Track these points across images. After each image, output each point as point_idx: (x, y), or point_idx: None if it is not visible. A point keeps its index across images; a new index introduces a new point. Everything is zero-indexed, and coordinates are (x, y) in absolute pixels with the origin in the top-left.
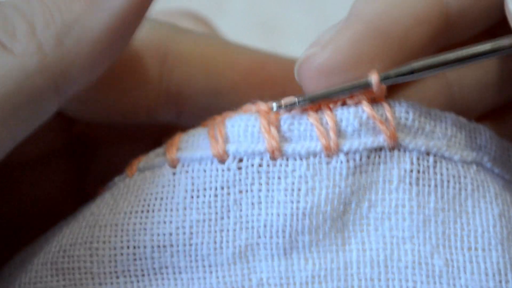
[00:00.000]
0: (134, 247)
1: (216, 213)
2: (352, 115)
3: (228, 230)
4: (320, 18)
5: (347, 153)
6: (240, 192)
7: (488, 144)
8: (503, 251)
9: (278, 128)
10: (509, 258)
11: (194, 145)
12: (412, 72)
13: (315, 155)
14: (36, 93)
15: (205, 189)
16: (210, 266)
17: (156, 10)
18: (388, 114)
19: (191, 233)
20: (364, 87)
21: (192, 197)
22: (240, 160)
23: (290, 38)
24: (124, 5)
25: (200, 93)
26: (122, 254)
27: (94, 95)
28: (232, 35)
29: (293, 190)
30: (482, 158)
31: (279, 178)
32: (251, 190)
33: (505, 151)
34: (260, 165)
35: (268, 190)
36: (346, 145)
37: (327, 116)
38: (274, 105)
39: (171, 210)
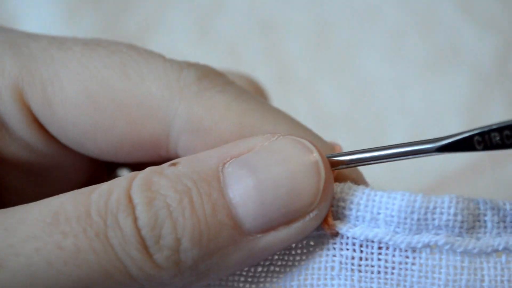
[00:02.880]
0: None
1: None
2: None
3: None
4: (320, 18)
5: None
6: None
7: (450, 223)
8: None
9: None
10: None
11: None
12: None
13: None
14: None
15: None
16: None
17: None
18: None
19: None
20: None
21: None
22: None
23: (290, 38)
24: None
25: None
26: None
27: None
28: (232, 34)
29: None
30: (437, 240)
31: None
32: None
33: (472, 222)
34: None
35: None
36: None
37: None
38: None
39: None
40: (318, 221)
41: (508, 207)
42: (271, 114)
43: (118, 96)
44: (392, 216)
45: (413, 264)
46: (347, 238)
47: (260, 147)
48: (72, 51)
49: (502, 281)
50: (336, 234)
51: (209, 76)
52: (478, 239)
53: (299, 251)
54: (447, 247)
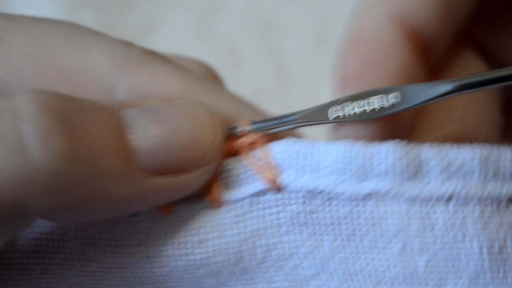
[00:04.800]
0: None
1: None
2: (231, 167)
3: None
4: (319, 17)
5: (229, 204)
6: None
7: (390, 168)
8: None
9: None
10: None
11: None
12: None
13: (201, 208)
14: None
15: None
16: None
17: (170, 54)
18: (264, 157)
19: None
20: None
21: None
22: None
23: (289, 38)
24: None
25: None
26: None
27: None
28: (231, 34)
29: (181, 243)
30: (379, 190)
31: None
32: None
33: (416, 167)
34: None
35: None
36: (226, 196)
37: None
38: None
39: None
40: (205, 178)
41: (453, 154)
42: (212, 86)
43: (61, 62)
44: (332, 166)
45: (358, 217)
46: (290, 194)
47: (161, 102)
48: (19, 21)
49: (453, 225)
50: (220, 206)
51: (153, 52)
52: (423, 185)
53: (247, 216)
54: (389, 195)
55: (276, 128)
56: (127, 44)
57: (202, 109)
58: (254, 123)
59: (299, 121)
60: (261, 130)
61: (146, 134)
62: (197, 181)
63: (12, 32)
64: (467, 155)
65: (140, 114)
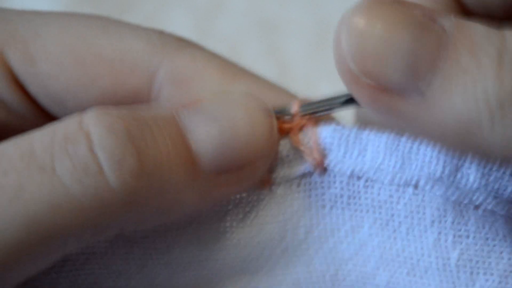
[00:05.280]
0: None
1: None
2: (280, 148)
3: None
4: (320, 18)
5: (278, 184)
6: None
7: (430, 165)
8: (440, 281)
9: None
10: None
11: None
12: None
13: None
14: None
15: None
16: None
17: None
18: (312, 141)
19: None
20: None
21: None
22: None
23: (290, 38)
24: None
25: None
26: None
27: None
28: (232, 34)
29: (227, 221)
30: (419, 180)
31: None
32: None
33: (454, 170)
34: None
35: None
36: (275, 177)
37: None
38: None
39: None
40: (265, 168)
41: (494, 170)
42: (245, 70)
43: (100, 51)
44: (377, 152)
45: (397, 203)
46: (335, 176)
47: (213, 98)
48: (49, 15)
49: (484, 227)
50: (268, 185)
51: (186, 39)
52: (458, 188)
53: (295, 195)
54: (427, 187)
55: (324, 111)
56: (160, 32)
57: (255, 101)
58: (304, 105)
59: (347, 102)
60: (310, 112)
61: (206, 137)
62: (258, 173)
63: (48, 26)
64: (507, 173)
65: (197, 117)
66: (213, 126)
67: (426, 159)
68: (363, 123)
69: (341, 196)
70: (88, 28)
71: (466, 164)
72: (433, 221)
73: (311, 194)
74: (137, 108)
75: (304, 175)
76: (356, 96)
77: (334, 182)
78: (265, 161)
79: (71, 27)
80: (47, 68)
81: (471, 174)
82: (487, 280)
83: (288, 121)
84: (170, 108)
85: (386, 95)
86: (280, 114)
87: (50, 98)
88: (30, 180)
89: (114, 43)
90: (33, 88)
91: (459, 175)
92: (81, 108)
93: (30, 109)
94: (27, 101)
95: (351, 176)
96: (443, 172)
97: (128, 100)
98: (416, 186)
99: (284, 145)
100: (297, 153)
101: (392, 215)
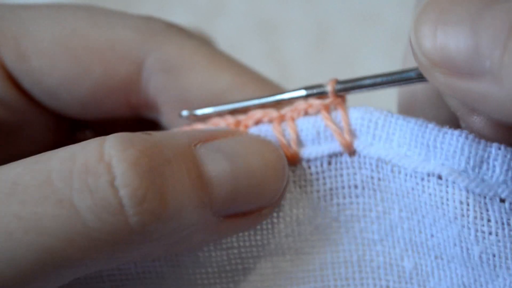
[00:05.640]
0: None
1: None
2: (311, 125)
3: None
4: (320, 19)
5: (307, 161)
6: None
7: (455, 155)
8: (466, 268)
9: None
10: (472, 277)
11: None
12: (363, 86)
13: None
14: None
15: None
16: None
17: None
18: (343, 122)
19: None
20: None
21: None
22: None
23: (290, 38)
24: None
25: (174, 100)
26: None
27: (84, 95)
28: (232, 35)
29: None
30: (442, 170)
31: None
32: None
33: (479, 162)
34: None
35: None
36: (305, 153)
37: (289, 127)
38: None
39: None
40: (269, 216)
41: None
42: (234, 62)
43: (90, 42)
44: (404, 139)
45: (423, 192)
46: (364, 157)
47: (229, 137)
48: (39, 9)
49: (508, 224)
50: (298, 163)
51: (176, 25)
52: (483, 180)
53: (326, 174)
54: (450, 178)
55: (358, 89)
56: (149, 18)
57: (272, 151)
58: (339, 83)
59: (382, 81)
60: (343, 91)
61: (221, 177)
62: (262, 220)
63: (37, 20)
64: None
65: (214, 156)
66: (228, 170)
67: (451, 149)
68: (403, 108)
69: (372, 177)
70: (77, 20)
71: (492, 156)
72: (456, 214)
73: (342, 173)
74: (155, 135)
75: (334, 154)
76: (434, 83)
77: (365, 163)
78: (271, 210)
79: (60, 20)
80: (39, 64)
81: (497, 166)
82: (505, 279)
83: (323, 96)
84: (187, 139)
85: (459, 78)
86: (314, 91)
87: (44, 93)
88: (48, 212)
89: (103, 33)
90: (27, 84)
91: (484, 167)
92: (75, 100)
93: (26, 104)
94: (22, 96)
95: (378, 160)
96: (467, 163)
97: (120, 91)
98: (439, 177)
99: (316, 123)
100: (328, 132)
101: (420, 203)
